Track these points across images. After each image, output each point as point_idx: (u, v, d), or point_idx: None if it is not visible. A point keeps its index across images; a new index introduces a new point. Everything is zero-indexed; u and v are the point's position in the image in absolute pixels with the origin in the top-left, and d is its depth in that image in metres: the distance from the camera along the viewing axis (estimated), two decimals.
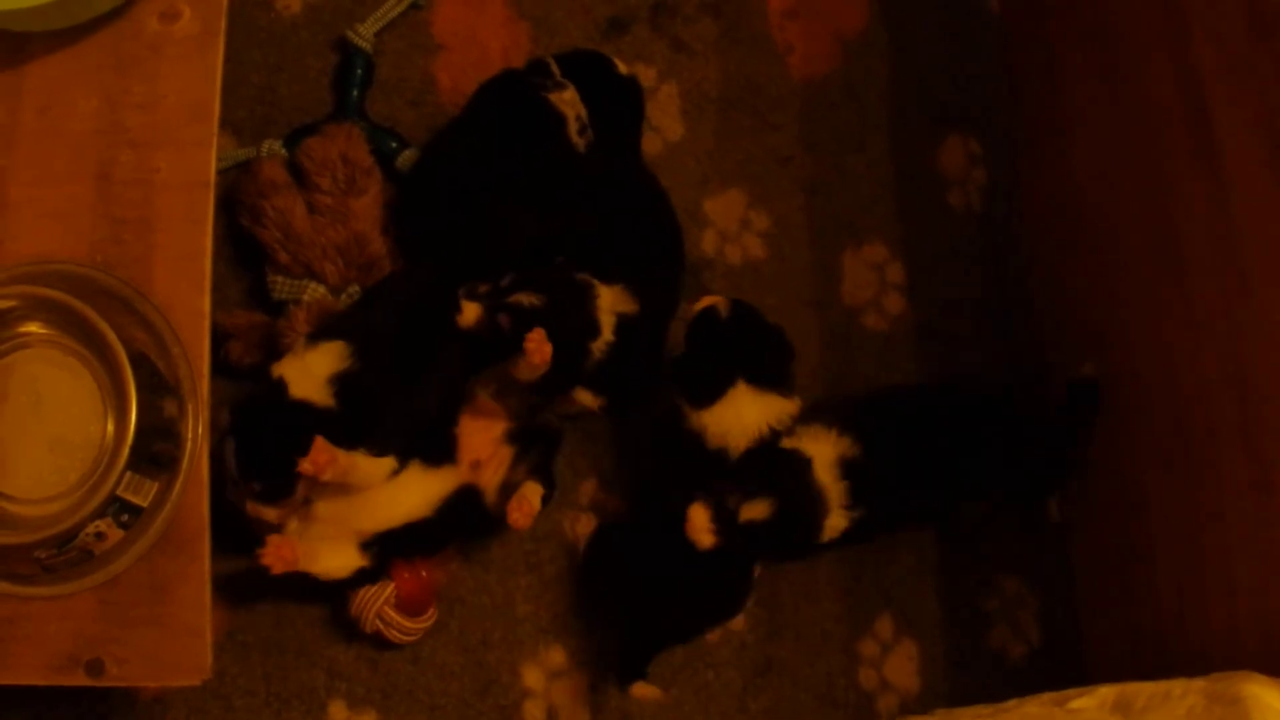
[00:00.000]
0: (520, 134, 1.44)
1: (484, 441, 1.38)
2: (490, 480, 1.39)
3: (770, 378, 1.34)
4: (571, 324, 1.37)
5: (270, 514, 1.31)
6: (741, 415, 1.33)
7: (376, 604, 1.38)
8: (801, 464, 1.31)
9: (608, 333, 1.38)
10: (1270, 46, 1.18)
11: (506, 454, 1.39)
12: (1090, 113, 1.48)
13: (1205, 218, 1.28)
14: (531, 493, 1.37)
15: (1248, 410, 1.23)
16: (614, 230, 1.47)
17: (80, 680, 1.23)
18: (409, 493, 1.35)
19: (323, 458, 1.25)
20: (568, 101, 1.45)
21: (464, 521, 1.39)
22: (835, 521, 1.32)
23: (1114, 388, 1.45)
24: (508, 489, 1.38)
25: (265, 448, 1.28)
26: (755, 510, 1.29)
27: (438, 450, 1.37)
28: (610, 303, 1.40)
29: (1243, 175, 1.22)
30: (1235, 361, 1.24)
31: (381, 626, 1.40)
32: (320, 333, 1.34)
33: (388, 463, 1.31)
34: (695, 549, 1.31)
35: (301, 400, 1.27)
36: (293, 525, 1.35)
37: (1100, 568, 1.48)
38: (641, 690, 1.36)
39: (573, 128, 1.45)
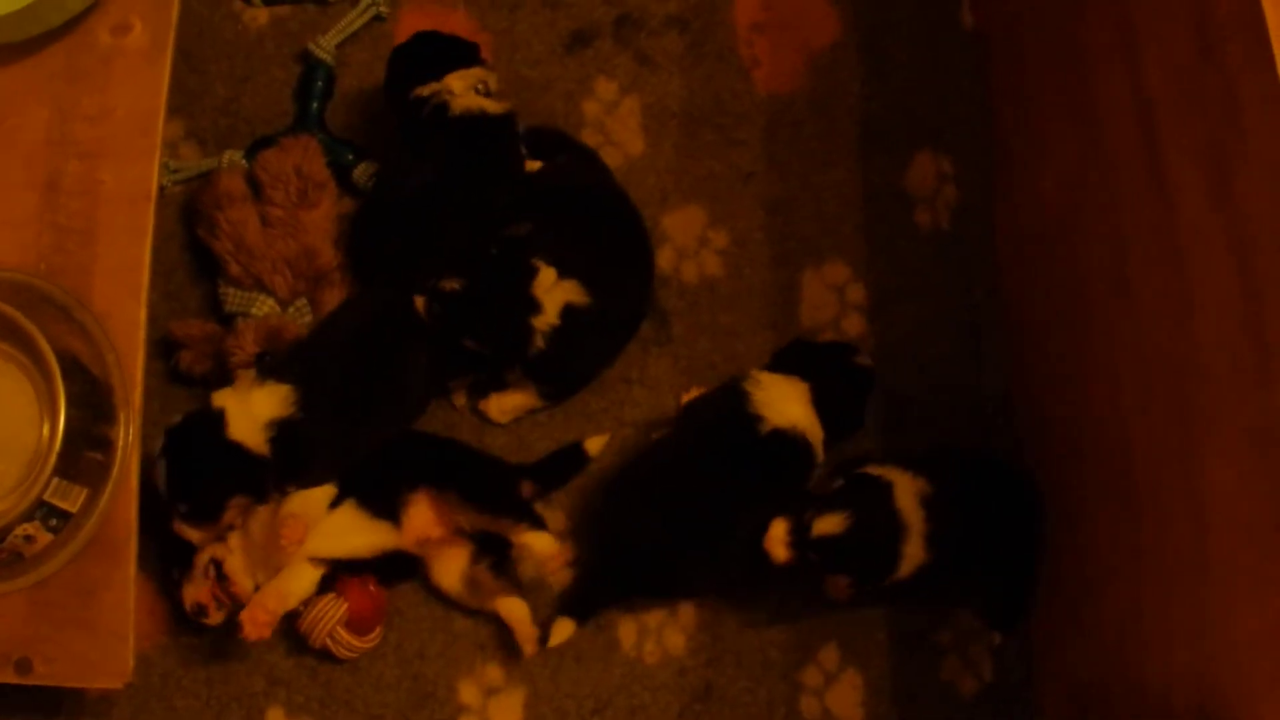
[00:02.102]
0: (461, 148, 1.44)
1: (433, 522, 1.39)
2: (445, 568, 1.42)
3: (825, 412, 1.40)
4: (502, 300, 1.38)
5: (194, 534, 1.34)
6: (785, 398, 1.38)
7: (330, 624, 1.39)
8: (883, 486, 1.34)
9: (551, 315, 1.38)
10: (1215, 69, 1.12)
11: (463, 548, 1.41)
12: (1059, 135, 1.43)
13: (1154, 246, 1.23)
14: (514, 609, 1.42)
15: (1190, 446, 1.18)
16: (575, 232, 1.46)
17: (9, 677, 1.27)
18: (349, 534, 1.38)
19: (262, 618, 1.31)
20: (461, 91, 1.44)
21: (406, 572, 1.43)
22: (914, 550, 1.33)
23: (1073, 421, 1.40)
24: (473, 584, 1.41)
25: (194, 475, 1.30)
26: (829, 524, 1.31)
27: (379, 503, 1.38)
28: (554, 286, 1.40)
29: (1187, 204, 1.17)
30: (1179, 397, 1.19)
31: (330, 644, 1.40)
32: (271, 370, 1.35)
33: (327, 492, 1.35)
34: (703, 512, 1.36)
35: (236, 442, 1.30)
36: (234, 542, 1.37)
37: (1052, 606, 1.43)
38: (560, 627, 1.38)
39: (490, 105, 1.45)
